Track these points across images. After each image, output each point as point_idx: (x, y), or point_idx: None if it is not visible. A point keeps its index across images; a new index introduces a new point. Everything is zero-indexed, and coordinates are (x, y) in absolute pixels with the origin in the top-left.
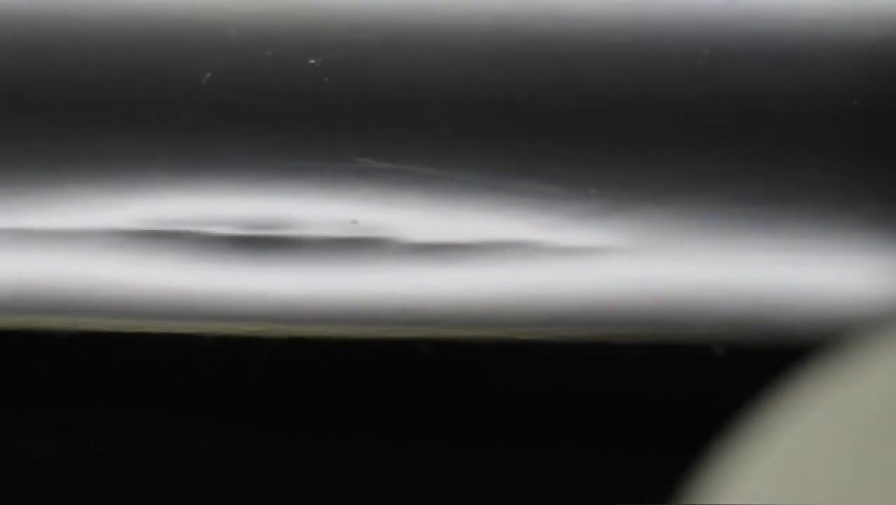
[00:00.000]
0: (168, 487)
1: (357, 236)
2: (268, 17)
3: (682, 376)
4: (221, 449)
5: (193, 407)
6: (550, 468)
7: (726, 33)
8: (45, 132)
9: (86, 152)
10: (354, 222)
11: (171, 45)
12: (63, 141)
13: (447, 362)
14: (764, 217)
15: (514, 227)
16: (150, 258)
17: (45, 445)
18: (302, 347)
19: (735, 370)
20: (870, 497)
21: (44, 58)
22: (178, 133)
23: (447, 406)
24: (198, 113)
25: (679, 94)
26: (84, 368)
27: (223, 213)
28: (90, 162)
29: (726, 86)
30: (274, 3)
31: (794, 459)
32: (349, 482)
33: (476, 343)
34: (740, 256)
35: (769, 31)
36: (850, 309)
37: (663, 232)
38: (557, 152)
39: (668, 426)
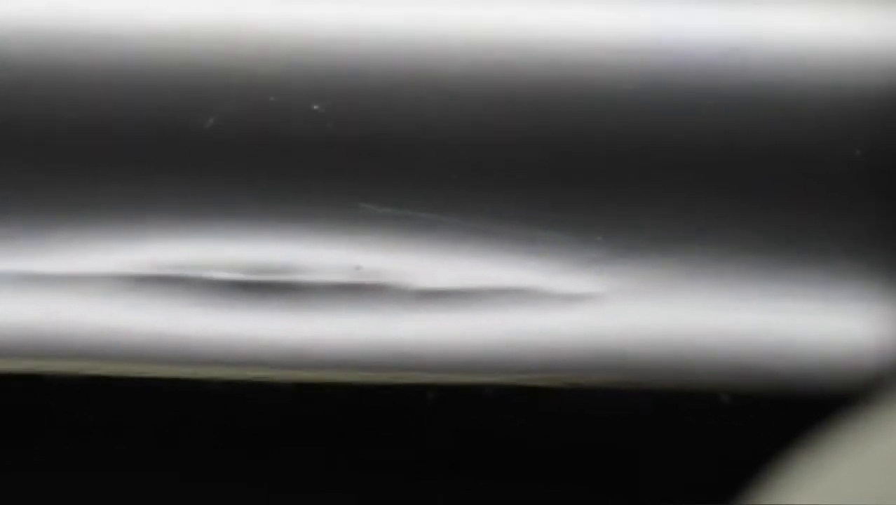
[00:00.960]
0: None
1: (360, 282)
2: (271, 62)
3: (687, 424)
4: (226, 494)
5: (197, 452)
6: None
7: (730, 83)
8: (49, 177)
9: (89, 197)
10: (358, 268)
11: (175, 90)
12: (67, 186)
13: (451, 408)
14: (768, 265)
15: (518, 274)
16: (154, 303)
17: (49, 488)
18: (306, 393)
19: (741, 418)
20: None
21: (47, 103)
22: (181, 178)
23: (452, 452)
24: (201, 158)
25: (684, 141)
26: (86, 412)
27: (227, 259)
28: (93, 207)
29: (730, 134)
30: (277, 49)
31: None
32: None
33: (481, 389)
34: (745, 303)
35: (772, 81)
36: (855, 358)
37: (668, 279)
38: (562, 199)
39: (674, 474)
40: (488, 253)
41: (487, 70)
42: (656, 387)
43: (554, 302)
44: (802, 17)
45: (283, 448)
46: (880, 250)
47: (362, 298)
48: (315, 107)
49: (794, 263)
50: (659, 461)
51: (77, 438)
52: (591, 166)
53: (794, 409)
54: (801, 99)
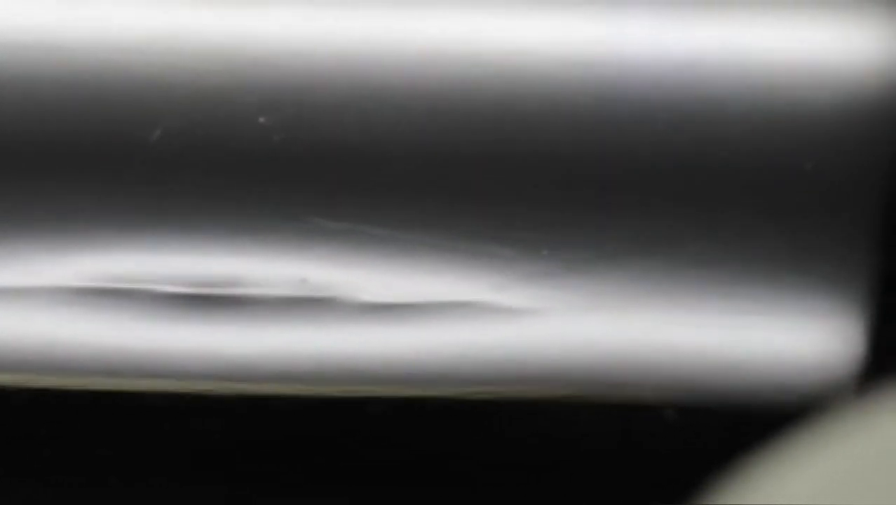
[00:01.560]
0: None
1: (307, 295)
2: (217, 74)
3: (633, 439)
4: None
5: (141, 465)
6: None
7: (680, 98)
8: None
9: (33, 208)
10: (304, 281)
11: (121, 101)
12: (10, 196)
13: (396, 422)
14: (716, 280)
15: (465, 288)
16: (97, 316)
17: None
18: (251, 406)
19: (688, 434)
20: None
21: None
22: (127, 190)
23: (396, 466)
24: (147, 170)
25: (633, 156)
26: (30, 426)
27: (172, 272)
28: (37, 218)
29: (680, 148)
30: (223, 61)
31: None
32: None
33: (426, 403)
34: (693, 318)
35: (723, 96)
36: (804, 373)
37: (616, 293)
38: (509, 213)
39: (622, 488)
40: (435, 267)
41: (437, 85)
42: (603, 401)
43: (501, 316)
44: (756, 33)
45: (230, 461)
46: (830, 265)
47: (309, 312)
48: (261, 119)
49: (744, 277)
50: (606, 476)
51: (19, 453)
52: (539, 181)
53: (742, 424)
54: (750, 113)
